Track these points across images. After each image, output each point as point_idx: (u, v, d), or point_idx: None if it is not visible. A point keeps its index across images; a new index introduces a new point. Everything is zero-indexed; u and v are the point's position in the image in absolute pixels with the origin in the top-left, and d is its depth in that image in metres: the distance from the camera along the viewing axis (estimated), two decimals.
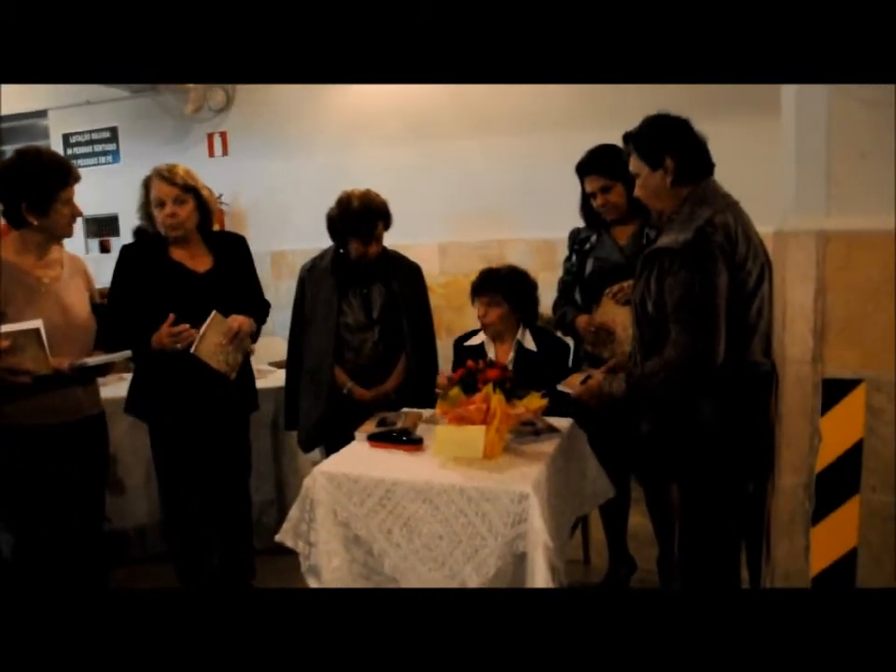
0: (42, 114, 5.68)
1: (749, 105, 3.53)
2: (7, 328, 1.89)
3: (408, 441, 2.12)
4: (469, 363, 2.12)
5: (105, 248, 5.68)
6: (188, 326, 2.28)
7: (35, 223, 2.09)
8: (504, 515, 1.75)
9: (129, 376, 2.59)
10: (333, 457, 2.08)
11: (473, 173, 4.39)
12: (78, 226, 5.35)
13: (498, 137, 4.30)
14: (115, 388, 3.05)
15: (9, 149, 5.84)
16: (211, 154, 5.07)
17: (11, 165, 2.09)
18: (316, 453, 2.82)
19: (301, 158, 4.81)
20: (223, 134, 5.01)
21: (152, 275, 2.35)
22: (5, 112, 5.75)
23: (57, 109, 5.56)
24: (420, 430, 2.24)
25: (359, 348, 2.61)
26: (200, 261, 2.45)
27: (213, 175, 3.90)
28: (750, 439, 1.76)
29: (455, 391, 2.00)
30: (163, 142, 5.12)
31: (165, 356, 2.31)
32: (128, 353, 2.17)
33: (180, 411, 2.41)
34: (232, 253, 2.53)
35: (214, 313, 2.32)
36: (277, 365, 3.38)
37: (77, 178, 2.13)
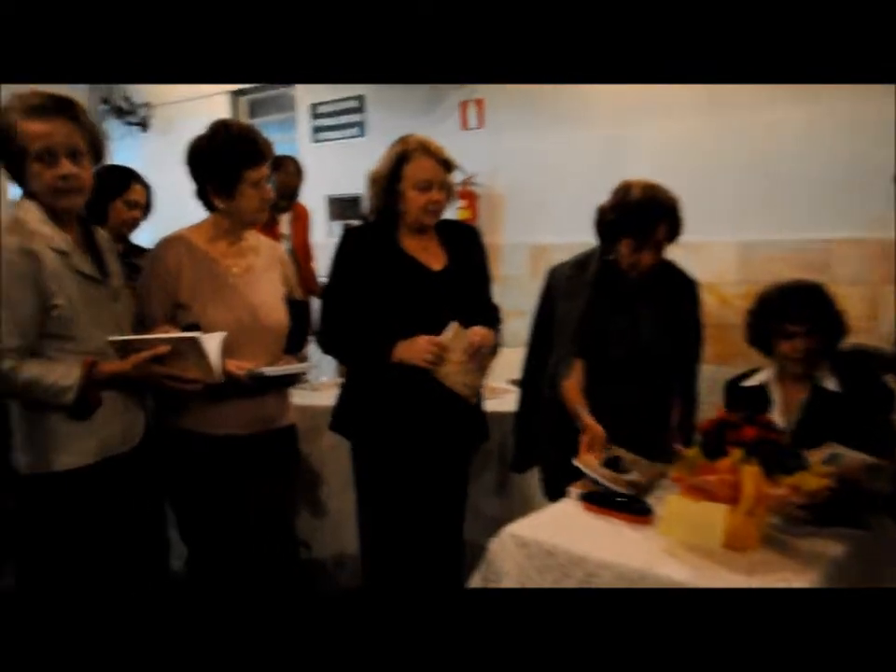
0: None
1: None
2: (165, 334, 2.13)
3: (634, 509, 2.04)
4: (719, 413, 1.97)
5: None
6: (440, 339, 2.36)
7: (222, 206, 2.31)
8: None
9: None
10: (530, 518, 2.07)
11: (790, 152, 4.05)
12: (321, 207, 6.08)
13: (827, 103, 3.91)
14: (327, 396, 3.35)
15: (262, 122, 6.74)
16: (464, 126, 5.30)
17: (198, 142, 2.32)
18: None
19: (570, 131, 4.84)
20: (479, 103, 5.23)
21: (380, 269, 2.45)
22: (257, 82, 6.64)
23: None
24: (656, 494, 2.14)
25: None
26: (434, 257, 2.53)
27: (466, 151, 4.05)
28: None
29: (694, 452, 1.87)
30: (412, 113, 5.49)
31: (393, 370, 2.41)
32: (311, 365, 2.34)
33: (395, 434, 2.50)
34: (467, 248, 2.60)
35: (455, 325, 2.40)
36: (518, 384, 3.42)
37: (267, 157, 2.30)
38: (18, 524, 2.60)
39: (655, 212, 2.41)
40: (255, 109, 7.02)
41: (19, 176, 2.07)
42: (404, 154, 2.45)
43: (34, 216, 2.04)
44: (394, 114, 5.63)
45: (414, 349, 2.39)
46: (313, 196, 5.68)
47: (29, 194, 2.08)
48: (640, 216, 2.41)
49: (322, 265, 4.54)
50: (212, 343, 2.11)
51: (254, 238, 2.47)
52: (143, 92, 7.66)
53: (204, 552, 2.39)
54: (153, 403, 2.35)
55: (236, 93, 6.96)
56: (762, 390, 2.43)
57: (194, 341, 2.06)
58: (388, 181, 2.47)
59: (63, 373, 2.02)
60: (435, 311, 2.44)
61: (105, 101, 7.62)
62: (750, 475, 1.74)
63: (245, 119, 6.91)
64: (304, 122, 6.30)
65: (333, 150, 6.09)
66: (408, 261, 2.49)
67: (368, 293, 2.45)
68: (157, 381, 2.12)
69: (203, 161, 2.30)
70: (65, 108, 2.02)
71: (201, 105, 7.13)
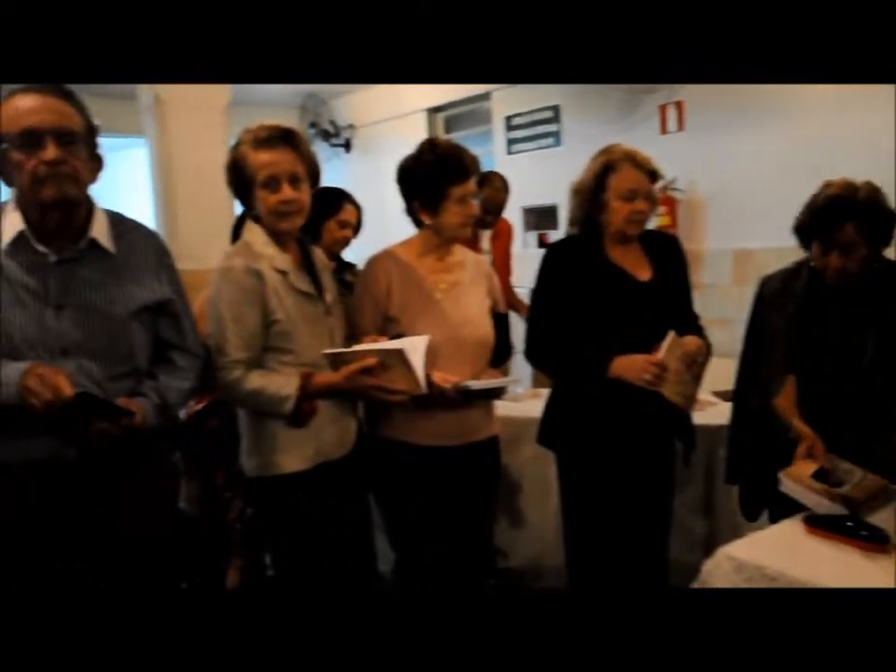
0: (485, 97, 6.54)
1: None
2: (372, 345, 2.21)
3: (868, 537, 1.88)
4: None
5: (543, 243, 6.23)
6: (660, 357, 2.33)
7: (429, 223, 2.38)
8: None
9: (545, 392, 2.74)
10: (748, 539, 1.96)
11: None
12: (517, 218, 6.13)
13: None
14: (526, 406, 3.37)
15: (458, 136, 6.89)
16: (663, 130, 5.19)
17: (407, 160, 2.41)
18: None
19: (776, 131, 4.60)
20: (678, 105, 5.09)
21: (586, 280, 2.45)
22: (449, 99, 6.79)
23: (500, 90, 6.30)
24: (885, 515, 1.97)
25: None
26: (640, 267, 2.51)
27: (664, 156, 3.93)
28: None
29: None
30: (607, 120, 5.42)
31: (604, 384, 2.38)
32: (515, 379, 2.36)
33: (605, 445, 2.48)
34: (671, 258, 2.57)
35: (671, 334, 2.36)
36: (723, 396, 3.31)
37: (472, 173, 2.35)
38: (244, 524, 2.80)
39: (839, 211, 2.22)
40: (451, 125, 7.18)
41: (246, 201, 2.24)
42: (609, 164, 2.43)
43: (259, 238, 2.20)
44: (589, 122, 5.58)
45: (634, 368, 2.35)
46: (507, 207, 5.73)
47: (254, 217, 2.24)
48: (823, 215, 2.24)
49: (517, 277, 4.57)
50: (416, 355, 2.16)
51: (460, 253, 2.52)
52: (346, 115, 8.04)
53: (410, 557, 2.45)
54: (364, 412, 2.44)
55: (432, 110, 7.15)
56: None
57: (400, 353, 2.12)
58: (592, 192, 2.45)
59: (282, 384, 2.14)
60: (644, 322, 2.40)
61: (313, 125, 8.07)
62: None
63: (441, 135, 7.08)
64: (500, 135, 6.37)
65: (528, 161, 6.12)
66: (616, 272, 2.47)
67: (576, 305, 2.44)
68: (366, 391, 2.20)
69: (410, 178, 2.39)
70: (288, 138, 2.17)
71: (398, 125, 7.39)
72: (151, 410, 1.90)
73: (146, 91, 5.34)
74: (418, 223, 2.44)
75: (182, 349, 2.04)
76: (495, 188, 4.50)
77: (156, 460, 2.03)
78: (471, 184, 2.36)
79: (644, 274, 2.50)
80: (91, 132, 1.85)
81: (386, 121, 7.55)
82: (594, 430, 2.48)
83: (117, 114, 6.65)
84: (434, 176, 2.32)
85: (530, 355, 2.56)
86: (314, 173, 2.24)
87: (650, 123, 5.22)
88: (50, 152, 1.75)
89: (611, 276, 2.46)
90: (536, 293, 2.55)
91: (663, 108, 5.16)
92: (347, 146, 8.18)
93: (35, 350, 1.81)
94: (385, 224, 3.29)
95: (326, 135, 8.06)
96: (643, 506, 2.55)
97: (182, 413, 2.66)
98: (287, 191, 2.15)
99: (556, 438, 2.61)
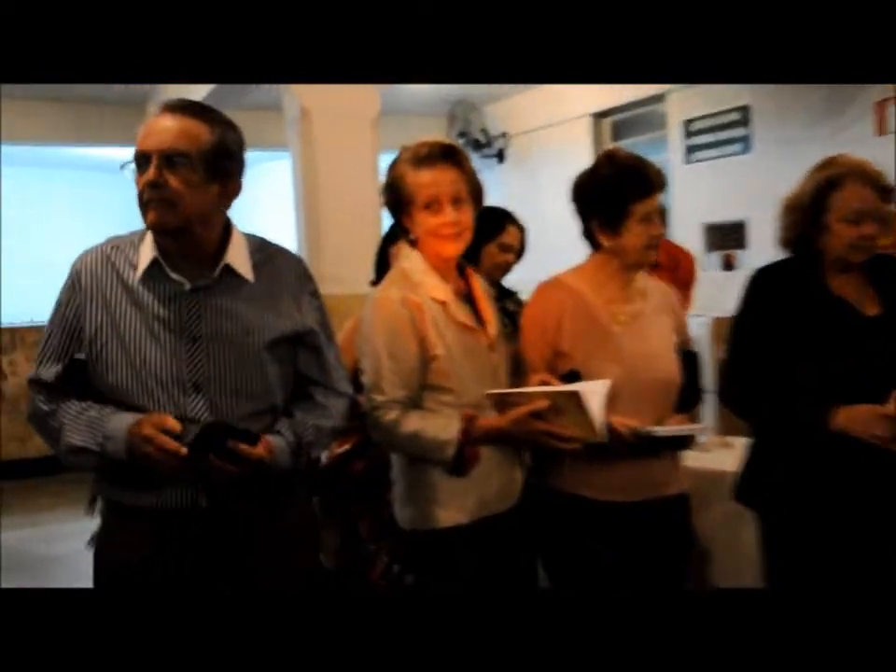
0: (659, 98, 6.41)
1: None
2: (543, 388, 2.16)
3: None
4: None
5: (728, 265, 6.05)
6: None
7: (607, 245, 2.33)
8: None
9: (736, 441, 2.64)
10: None
11: None
12: (697, 237, 5.96)
13: None
14: (715, 457, 3.21)
15: (627, 143, 6.78)
16: (881, 131, 4.95)
17: (583, 175, 2.38)
18: None
19: None
20: None
21: (803, 313, 2.35)
22: (617, 102, 6.70)
23: (678, 91, 6.19)
24: None
25: None
26: (865, 299, 2.40)
27: (882, 162, 3.70)
28: None
29: None
30: (807, 122, 5.22)
31: (823, 436, 2.27)
32: (707, 426, 2.24)
33: (823, 505, 2.35)
34: None
35: None
36: None
37: (657, 188, 2.30)
38: (390, 581, 2.78)
39: None
40: (619, 131, 7.09)
41: (404, 224, 2.26)
42: (832, 180, 2.32)
43: (417, 265, 2.23)
44: (786, 124, 5.39)
45: (862, 420, 2.21)
46: (685, 224, 5.59)
47: (411, 242, 2.26)
48: None
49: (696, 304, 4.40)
50: (595, 398, 2.12)
51: (643, 280, 2.46)
52: (499, 122, 8.09)
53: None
54: (531, 460, 2.40)
55: (598, 115, 7.08)
56: None
57: (576, 396, 2.07)
58: (810, 211, 2.35)
59: (443, 427, 2.13)
60: (872, 364, 2.27)
61: (463, 134, 8.17)
62: None
63: (608, 143, 7.00)
64: (676, 141, 6.23)
65: (710, 170, 5.97)
66: (838, 305, 2.35)
67: (790, 342, 2.33)
68: (535, 437, 2.16)
69: (587, 195, 2.35)
70: (450, 155, 2.20)
71: (559, 132, 7.37)
72: (284, 448, 1.91)
73: (291, 102, 5.55)
74: (595, 245, 2.39)
75: (323, 385, 2.05)
76: None
77: (294, 507, 2.04)
78: (656, 200, 2.31)
79: (871, 308, 2.37)
80: (221, 153, 1.87)
81: (545, 128, 7.55)
82: (809, 489, 2.35)
83: (260, 126, 7.02)
84: (614, 192, 2.28)
85: (728, 397, 2.47)
86: (476, 192, 2.25)
87: (862, 124, 4.99)
88: (149, 174, 1.80)
89: (833, 310, 2.34)
90: (739, 325, 2.45)
91: (880, 105, 4.91)
92: (500, 156, 8.23)
93: (164, 385, 1.86)
94: (542, 244, 3.23)
95: (476, 145, 8.14)
96: (868, 586, 2.36)
97: (323, 457, 2.68)
98: (448, 213, 2.17)
99: (761, 496, 2.49)
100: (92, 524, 2.05)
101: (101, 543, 2.00)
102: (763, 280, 2.44)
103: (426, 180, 2.16)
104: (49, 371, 1.92)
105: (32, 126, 8.14)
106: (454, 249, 2.21)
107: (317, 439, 2.01)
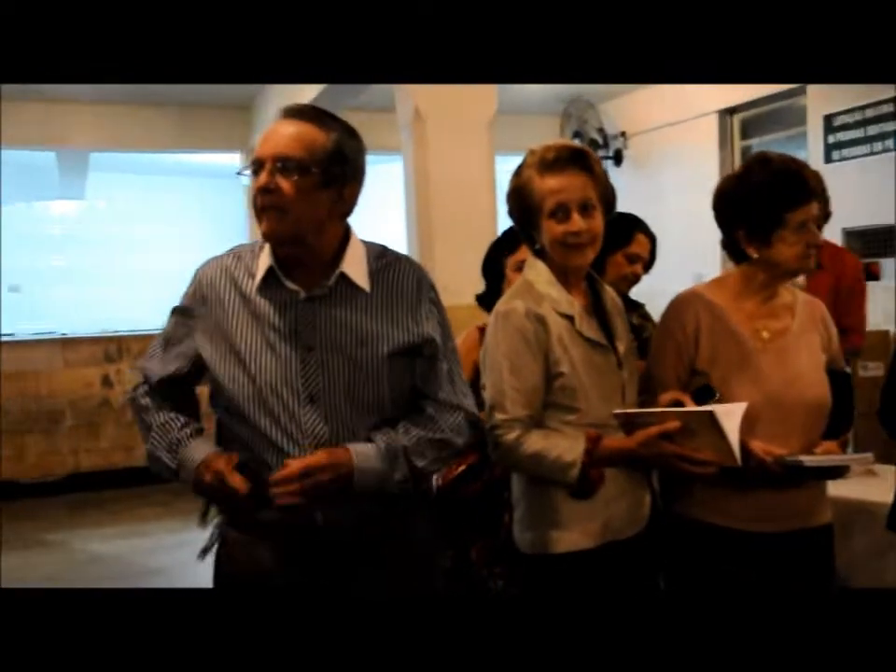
0: (797, 92, 6.22)
1: None
2: (674, 408, 2.13)
3: None
4: None
5: (872, 275, 5.86)
6: None
7: (756, 256, 2.27)
8: None
9: (882, 469, 2.56)
10: None
11: None
12: (837, 242, 5.73)
13: None
14: (857, 487, 3.11)
15: (759, 142, 6.61)
16: None
17: (728, 181, 2.34)
18: None
19: None
20: None
21: None
22: (748, 97, 6.51)
23: (820, 84, 5.97)
24: None
25: None
26: None
27: None
28: None
29: None
30: None
31: None
32: (867, 456, 2.16)
33: None
34: None
35: None
36: None
37: (816, 194, 2.23)
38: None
39: None
40: (749, 128, 6.92)
41: (531, 233, 2.26)
42: None
43: (543, 277, 2.22)
44: None
45: None
46: (824, 229, 5.39)
47: (537, 252, 2.27)
48: None
49: None
50: (731, 419, 2.06)
51: (789, 294, 2.40)
52: (617, 121, 8.00)
53: None
54: (659, 485, 2.38)
55: (726, 112, 6.93)
56: None
57: (710, 416, 2.04)
58: None
59: (567, 448, 2.12)
60: None
61: (578, 134, 8.10)
62: None
63: (737, 142, 6.84)
64: (816, 138, 6.05)
65: (854, 170, 5.78)
66: None
67: None
68: (664, 460, 2.14)
69: (734, 202, 2.30)
70: (579, 159, 2.18)
71: (682, 131, 7.24)
72: (371, 454, 1.89)
73: (405, 104, 5.62)
74: (738, 257, 2.34)
75: (435, 398, 2.04)
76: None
77: (413, 526, 2.06)
78: (814, 207, 2.24)
79: None
80: (337, 158, 1.89)
81: (667, 127, 7.42)
82: None
83: (372, 128, 7.07)
84: (768, 200, 2.22)
85: (889, 418, 2.42)
86: (607, 198, 2.23)
87: None
88: (261, 179, 1.86)
89: None
90: None
91: None
92: (618, 157, 8.14)
93: (279, 396, 1.90)
94: (663, 252, 3.15)
95: (593, 145, 8.06)
96: None
97: (437, 477, 2.67)
98: (577, 221, 2.15)
99: None
100: (199, 535, 2.10)
101: (221, 555, 2.05)
102: None
103: (553, 186, 2.15)
104: (155, 366, 2.01)
105: (132, 133, 8.43)
106: (582, 259, 2.20)
107: (420, 448, 1.99)
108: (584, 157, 2.20)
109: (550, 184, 2.16)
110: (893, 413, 2.39)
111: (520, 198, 2.22)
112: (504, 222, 2.47)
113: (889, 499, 2.92)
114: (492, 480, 2.53)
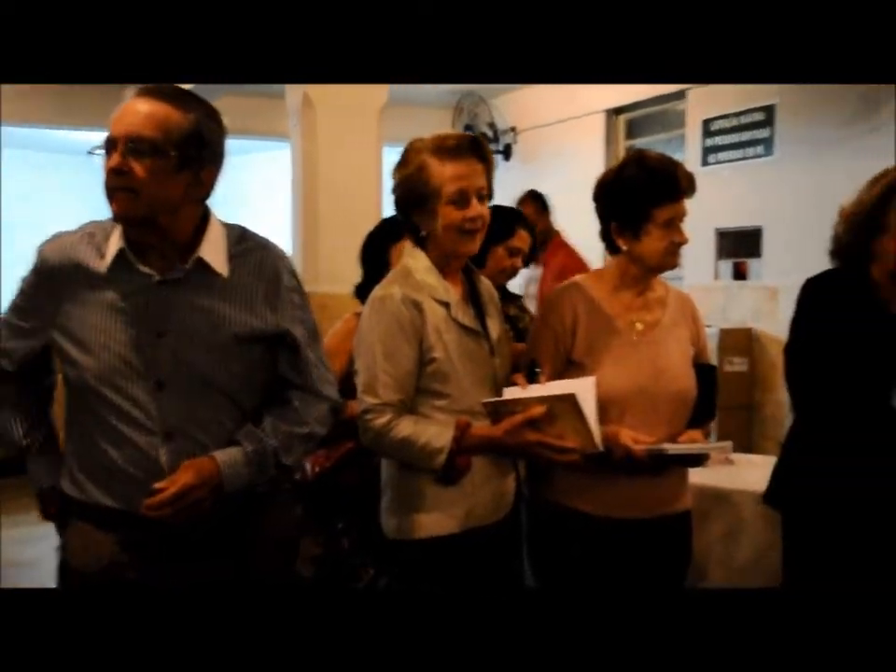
0: (679, 96, 6.42)
1: None
2: (538, 390, 2.17)
3: None
4: None
5: (740, 274, 6.06)
6: None
7: (625, 248, 2.34)
8: None
9: (738, 458, 2.61)
10: None
11: None
12: (709, 244, 5.96)
13: None
14: (713, 474, 3.15)
15: (642, 143, 6.80)
16: None
17: (606, 175, 2.40)
18: None
19: None
20: None
21: (859, 326, 2.39)
22: (634, 98, 6.68)
23: (698, 89, 6.18)
24: None
25: None
26: None
27: None
28: None
29: None
30: (838, 124, 5.18)
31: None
32: (726, 444, 2.25)
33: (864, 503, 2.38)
34: None
35: None
36: None
37: (684, 193, 2.30)
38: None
39: None
40: (634, 129, 7.10)
41: (415, 220, 2.25)
42: (894, 188, 2.35)
43: (422, 264, 2.23)
44: (813, 124, 5.37)
45: None
46: (697, 229, 5.55)
47: (418, 240, 2.27)
48: None
49: (706, 313, 4.40)
50: (588, 403, 2.11)
51: (662, 288, 2.48)
52: (507, 116, 8.08)
53: None
54: (526, 470, 2.41)
55: (612, 112, 7.09)
56: None
57: (572, 400, 2.08)
58: (867, 220, 2.38)
59: (435, 434, 2.14)
60: None
61: (469, 128, 8.17)
62: None
63: (622, 141, 7.01)
64: (694, 142, 6.24)
65: (729, 174, 5.96)
66: (891, 318, 2.38)
67: (847, 358, 2.36)
68: (529, 448, 2.17)
69: (609, 195, 2.36)
70: (476, 148, 2.21)
71: (570, 128, 7.36)
72: (239, 460, 1.90)
73: (295, 90, 5.57)
74: (613, 249, 2.40)
75: (301, 388, 2.04)
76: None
77: (271, 515, 2.06)
78: (682, 206, 2.31)
79: None
80: (194, 141, 1.84)
81: (556, 124, 7.54)
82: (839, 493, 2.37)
83: (260, 113, 6.99)
84: (638, 195, 2.29)
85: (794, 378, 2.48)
86: (492, 190, 2.27)
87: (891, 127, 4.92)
88: (113, 160, 1.80)
89: (886, 322, 2.38)
90: (793, 333, 2.51)
91: None
92: (507, 152, 8.22)
93: (128, 381, 1.87)
94: None
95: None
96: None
97: (308, 466, 2.69)
98: (475, 207, 2.18)
99: (780, 494, 2.55)
100: None
101: (64, 545, 2.02)
102: (811, 293, 2.48)
103: (454, 172, 2.16)
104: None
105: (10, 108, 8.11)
106: (473, 246, 2.22)
107: (289, 446, 1.99)
108: (481, 146, 2.23)
109: (451, 170, 2.16)
110: (797, 371, 2.48)
111: (413, 183, 2.20)
112: (390, 212, 2.47)
113: (744, 487, 3.09)
114: (369, 467, 2.51)
